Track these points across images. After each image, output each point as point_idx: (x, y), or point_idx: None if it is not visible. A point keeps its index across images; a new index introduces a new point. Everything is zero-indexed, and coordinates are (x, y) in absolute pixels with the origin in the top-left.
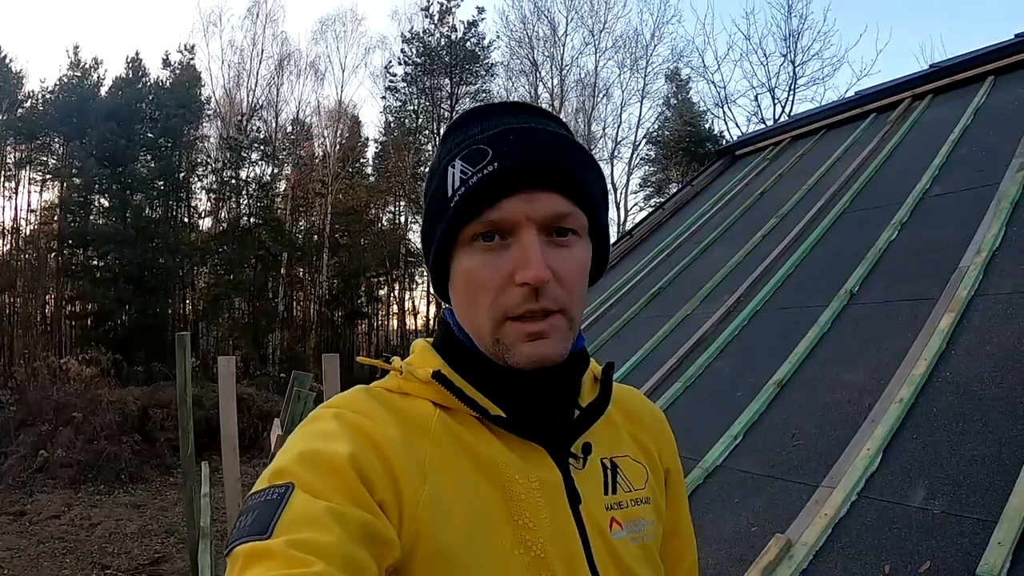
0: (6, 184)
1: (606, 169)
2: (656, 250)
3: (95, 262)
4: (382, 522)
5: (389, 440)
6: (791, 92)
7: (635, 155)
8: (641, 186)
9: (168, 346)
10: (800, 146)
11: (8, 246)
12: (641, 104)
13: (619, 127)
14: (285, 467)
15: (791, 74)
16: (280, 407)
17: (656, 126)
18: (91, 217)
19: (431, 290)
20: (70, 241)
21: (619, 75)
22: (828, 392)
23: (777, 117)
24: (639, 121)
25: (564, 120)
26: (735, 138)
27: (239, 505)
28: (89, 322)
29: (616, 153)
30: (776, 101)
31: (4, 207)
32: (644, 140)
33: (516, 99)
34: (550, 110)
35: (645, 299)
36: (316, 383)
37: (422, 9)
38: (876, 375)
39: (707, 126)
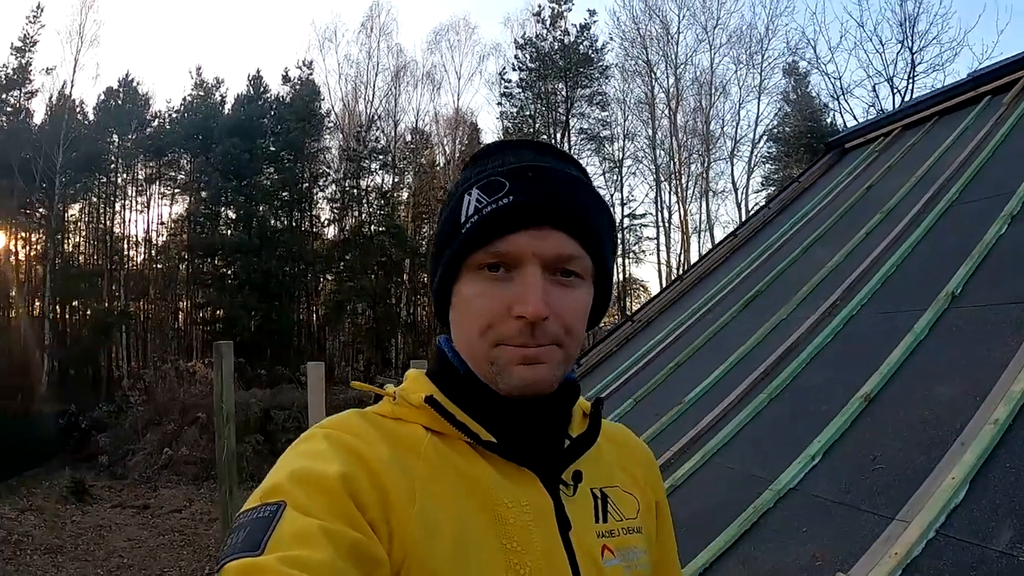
0: (138, 199)
1: (726, 168)
2: (757, 252)
3: (223, 271)
4: (372, 541)
5: (380, 460)
6: (910, 80)
7: (755, 153)
8: (763, 185)
9: (291, 351)
10: (910, 136)
11: (141, 257)
12: (759, 100)
13: (737, 125)
14: (277, 485)
15: (909, 61)
16: None
17: (775, 122)
18: (218, 228)
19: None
20: (199, 251)
21: (735, 71)
22: (918, 409)
23: (896, 107)
24: (757, 118)
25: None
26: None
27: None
28: (217, 327)
29: (735, 152)
30: (895, 90)
31: (137, 220)
32: (764, 137)
33: (633, 101)
34: (578, 160)
35: (740, 304)
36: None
37: (534, 14)
38: (972, 390)
39: (829, 120)
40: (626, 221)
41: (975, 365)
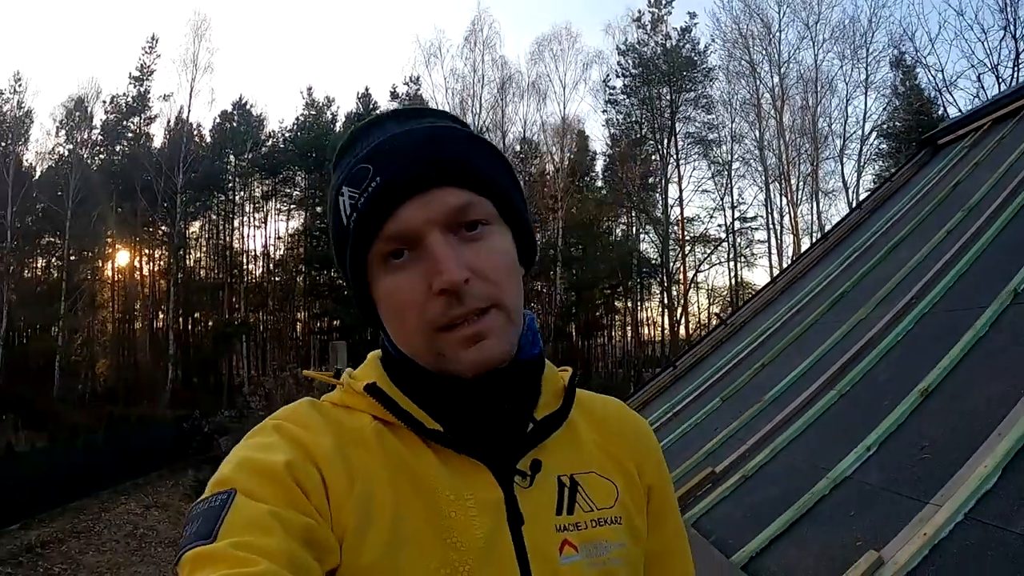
0: (255, 215)
1: (836, 167)
2: (847, 252)
3: (339, 282)
4: (323, 528)
5: (322, 450)
6: (1015, 68)
7: (864, 150)
8: (875, 182)
9: None
10: (999, 129)
11: (260, 270)
12: (866, 96)
13: (846, 122)
14: (226, 476)
15: (1012, 48)
16: None
17: (884, 118)
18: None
19: (664, 300)
20: (315, 264)
21: (840, 67)
22: (969, 402)
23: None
24: (865, 114)
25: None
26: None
27: None
28: (334, 336)
29: (845, 149)
30: (1000, 80)
31: (255, 235)
32: (873, 133)
33: (737, 101)
34: (453, 114)
35: (825, 306)
36: None
37: (634, 20)
38: (1021, 385)
39: (940, 112)
40: (736, 224)
41: None
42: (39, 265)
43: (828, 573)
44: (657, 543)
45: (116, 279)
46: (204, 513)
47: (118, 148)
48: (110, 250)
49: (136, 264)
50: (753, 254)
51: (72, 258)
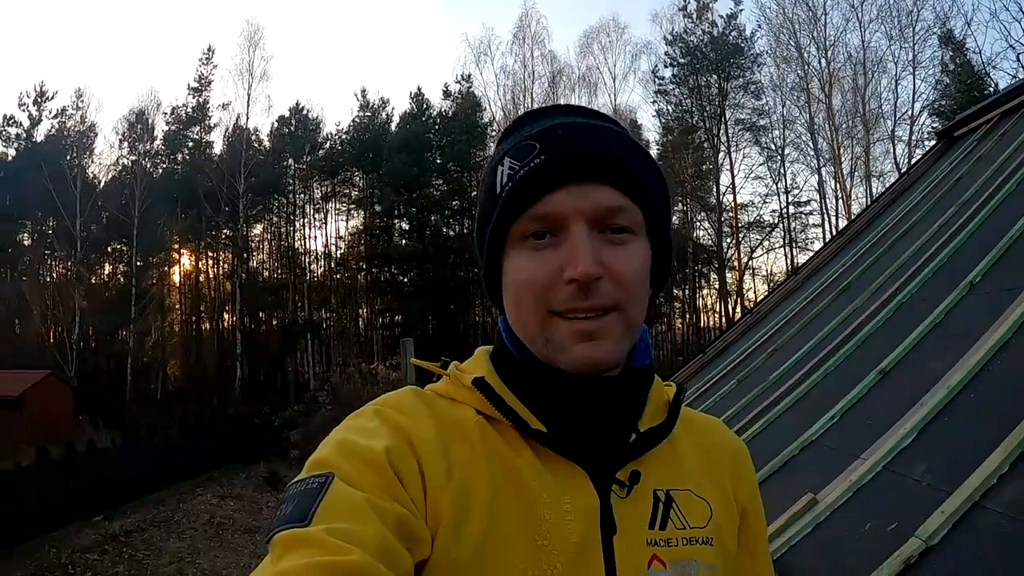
0: (316, 216)
1: (887, 148)
2: (860, 245)
3: (400, 278)
4: (416, 518)
5: (423, 439)
6: None
7: (915, 130)
8: None
9: (467, 353)
10: (1003, 125)
11: (322, 269)
12: (914, 75)
13: (896, 103)
14: (325, 458)
15: None
16: None
17: (934, 96)
18: (393, 239)
19: (721, 289)
20: (376, 261)
21: (888, 47)
22: (912, 379)
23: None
24: (914, 94)
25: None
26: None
27: None
28: (396, 332)
29: (895, 131)
30: None
31: (316, 236)
32: (924, 113)
33: (787, 86)
34: (617, 120)
35: (834, 294)
36: None
37: (680, 9)
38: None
39: (991, 90)
40: (791, 209)
41: (960, 344)
42: (106, 272)
43: (779, 513)
44: (746, 564)
45: (183, 283)
46: (300, 495)
47: (179, 157)
48: (176, 255)
49: (201, 267)
50: (808, 239)
51: (139, 264)
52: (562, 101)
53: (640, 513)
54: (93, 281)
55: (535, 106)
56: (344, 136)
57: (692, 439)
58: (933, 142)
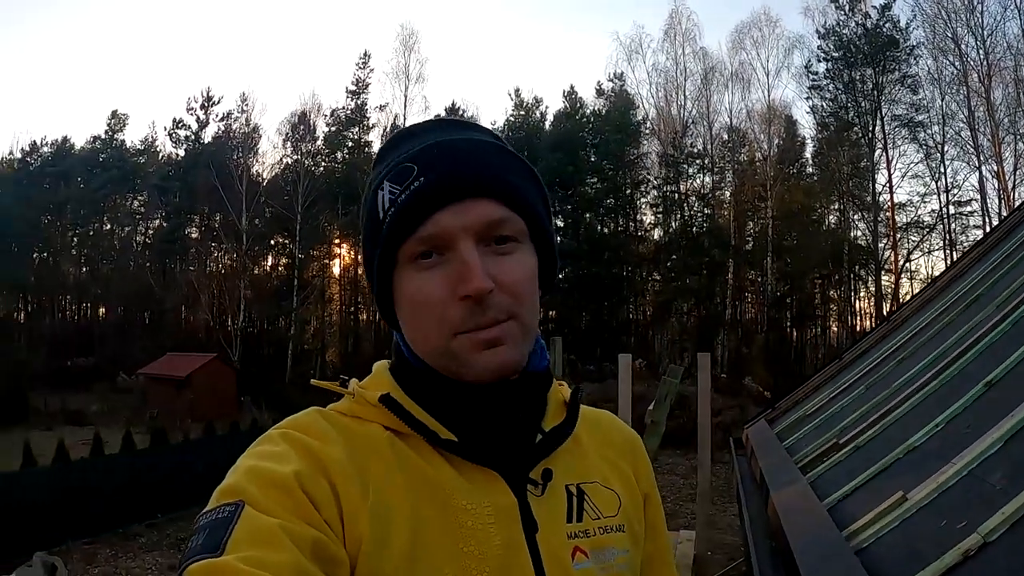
0: None
1: None
2: (996, 256)
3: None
4: (332, 540)
5: (334, 460)
6: None
7: None
8: None
9: (620, 349)
10: None
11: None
12: None
13: None
14: (234, 486)
15: None
16: (719, 405)
17: None
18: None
19: (877, 292)
20: None
21: None
22: (1017, 391)
23: None
24: None
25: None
26: None
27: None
28: (549, 327)
29: None
30: None
31: None
32: None
33: (945, 80)
34: (493, 131)
35: (963, 305)
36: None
37: (831, 1)
38: None
39: None
40: (950, 209)
41: None
42: (269, 263)
43: (871, 508)
44: (649, 548)
45: (342, 275)
46: (211, 524)
47: (339, 156)
48: (336, 249)
49: (360, 260)
50: (968, 241)
51: (301, 257)
52: (714, 98)
53: (557, 509)
54: (257, 272)
55: (688, 104)
56: (499, 132)
57: (591, 434)
58: None
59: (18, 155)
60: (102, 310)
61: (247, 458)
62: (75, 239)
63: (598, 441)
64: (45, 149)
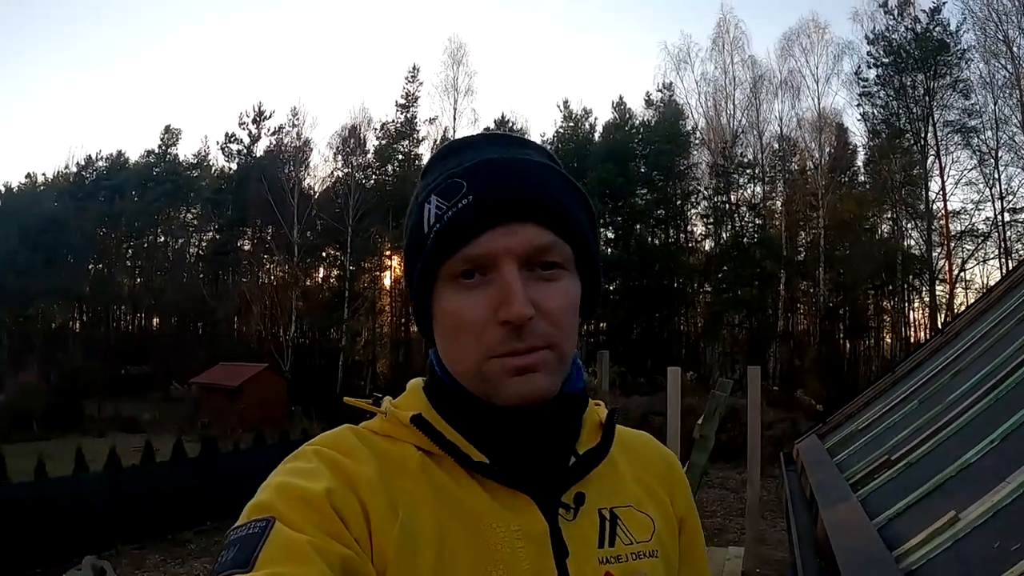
0: None
1: None
2: None
3: (605, 287)
4: (361, 558)
5: (365, 478)
6: None
7: None
8: None
9: (671, 361)
10: None
11: None
12: None
13: None
14: (265, 502)
15: None
16: (771, 418)
17: None
18: (599, 247)
19: (931, 302)
20: None
21: None
22: None
23: None
24: None
25: None
26: None
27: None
28: (600, 339)
29: None
30: None
31: None
32: None
33: (998, 84)
34: (549, 150)
35: (1016, 320)
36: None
37: (880, 5)
38: None
39: None
40: (1006, 216)
41: None
42: (320, 275)
43: (923, 528)
44: (685, 574)
45: (393, 287)
46: (242, 540)
47: (390, 169)
48: (387, 261)
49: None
50: None
51: (352, 269)
52: (763, 107)
53: (589, 533)
54: (308, 283)
55: (738, 113)
56: (548, 147)
57: (627, 456)
58: None
59: (74, 169)
60: (156, 320)
61: (278, 474)
62: (129, 251)
63: (634, 463)
64: (100, 163)
